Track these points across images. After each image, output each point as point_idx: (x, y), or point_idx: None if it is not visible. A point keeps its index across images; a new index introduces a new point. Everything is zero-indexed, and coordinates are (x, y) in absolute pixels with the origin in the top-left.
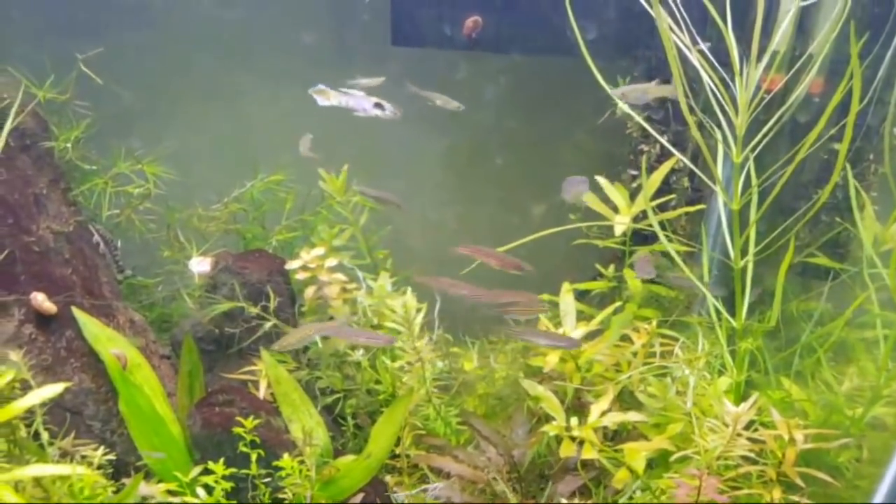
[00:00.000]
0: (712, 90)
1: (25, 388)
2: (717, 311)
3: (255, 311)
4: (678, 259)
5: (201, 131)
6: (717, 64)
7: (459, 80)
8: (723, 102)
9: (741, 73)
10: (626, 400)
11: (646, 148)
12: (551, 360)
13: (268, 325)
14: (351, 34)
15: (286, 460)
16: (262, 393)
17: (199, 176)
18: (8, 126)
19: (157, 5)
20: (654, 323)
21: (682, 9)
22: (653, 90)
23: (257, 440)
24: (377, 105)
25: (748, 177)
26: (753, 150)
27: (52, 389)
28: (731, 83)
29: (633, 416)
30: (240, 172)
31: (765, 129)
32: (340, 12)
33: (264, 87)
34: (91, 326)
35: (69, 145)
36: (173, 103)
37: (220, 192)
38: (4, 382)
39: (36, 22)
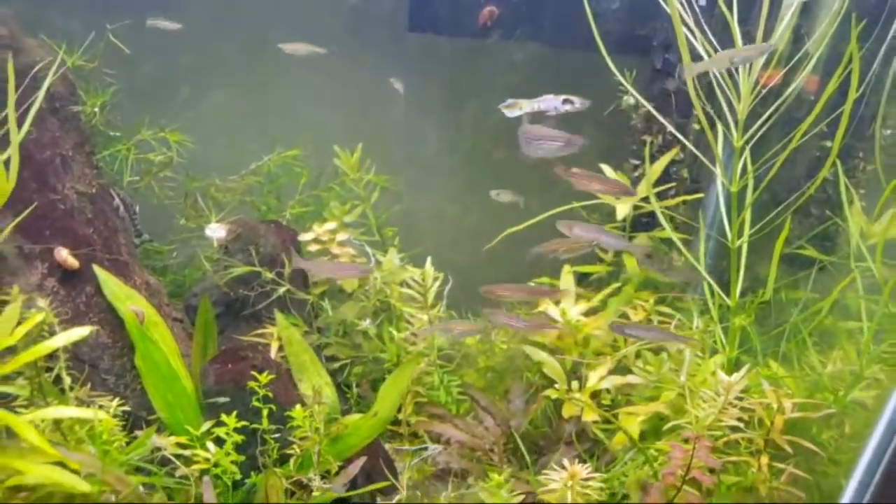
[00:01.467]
0: (717, 78)
1: (51, 333)
2: (712, 291)
3: (269, 276)
4: (679, 244)
5: (223, 106)
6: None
7: (472, 67)
8: (726, 89)
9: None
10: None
11: (648, 138)
12: (552, 335)
13: (281, 290)
14: (369, 20)
15: (298, 411)
16: (273, 354)
17: (218, 148)
18: (42, 91)
19: None
20: (652, 301)
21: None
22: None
23: (269, 395)
24: (566, 101)
25: (745, 164)
26: (752, 137)
27: (79, 332)
28: (734, 72)
29: (631, 379)
30: (258, 147)
31: (763, 118)
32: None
33: (285, 68)
34: (110, 283)
35: (96, 110)
36: (198, 78)
37: (239, 164)
38: (34, 324)
39: None
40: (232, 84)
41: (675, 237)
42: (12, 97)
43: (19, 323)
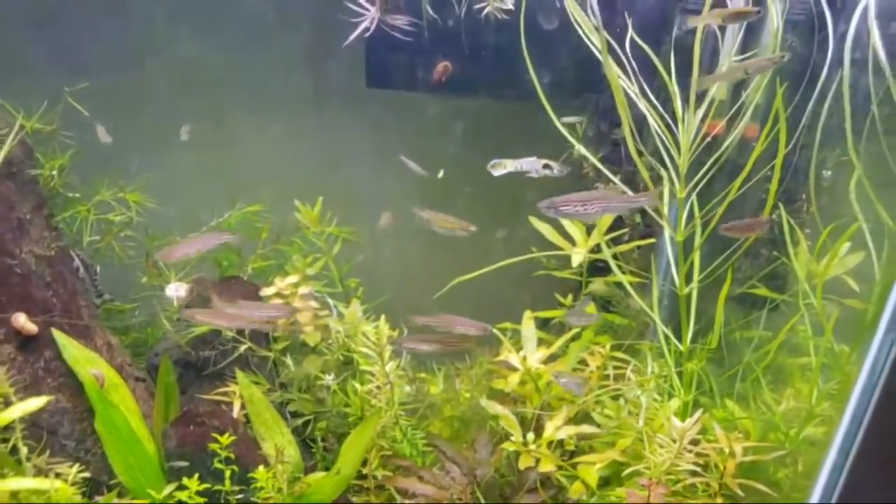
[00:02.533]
0: (657, 133)
1: (7, 403)
2: (665, 336)
3: (230, 334)
4: (630, 289)
5: (184, 164)
6: (661, 109)
7: (428, 120)
8: (667, 144)
9: (683, 118)
10: (583, 421)
11: (601, 186)
12: (512, 381)
13: (242, 347)
14: (329, 76)
15: (261, 472)
16: (235, 413)
17: (178, 206)
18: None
19: (143, 45)
20: (608, 347)
21: (630, 57)
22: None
23: (231, 456)
24: (546, 166)
25: (692, 211)
26: (696, 186)
27: (35, 402)
28: (675, 127)
29: (585, 429)
30: (218, 203)
31: (704, 168)
32: (319, 55)
33: (245, 124)
34: (70, 347)
35: (54, 173)
36: (159, 137)
37: (200, 221)
38: None
39: (27, 55)
40: (193, 141)
41: (627, 282)
42: None
43: None
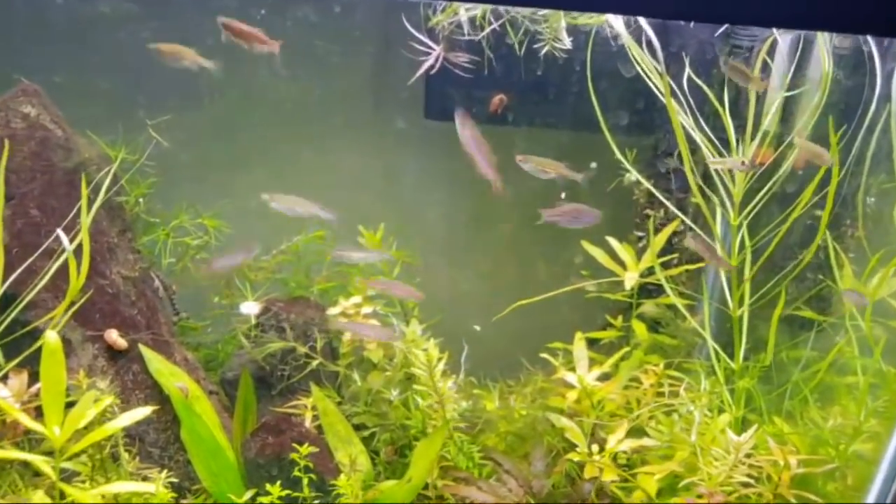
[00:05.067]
0: (712, 163)
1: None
2: (717, 354)
3: (303, 350)
4: (683, 310)
5: (254, 192)
6: (716, 141)
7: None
8: (721, 174)
9: (737, 149)
10: (637, 436)
11: (651, 212)
12: (570, 398)
13: (314, 363)
14: (387, 107)
15: (342, 481)
16: (307, 424)
17: (250, 231)
18: (102, 194)
19: (215, 83)
20: (662, 365)
21: (687, 94)
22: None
23: (309, 465)
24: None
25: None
26: (748, 214)
27: (142, 412)
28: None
29: (647, 442)
30: (287, 229)
31: (758, 197)
32: (378, 87)
33: (308, 154)
34: (155, 362)
35: (140, 200)
36: (232, 165)
37: (269, 245)
38: (103, 408)
39: (114, 89)
40: (263, 169)
41: (680, 303)
42: (84, 208)
43: None
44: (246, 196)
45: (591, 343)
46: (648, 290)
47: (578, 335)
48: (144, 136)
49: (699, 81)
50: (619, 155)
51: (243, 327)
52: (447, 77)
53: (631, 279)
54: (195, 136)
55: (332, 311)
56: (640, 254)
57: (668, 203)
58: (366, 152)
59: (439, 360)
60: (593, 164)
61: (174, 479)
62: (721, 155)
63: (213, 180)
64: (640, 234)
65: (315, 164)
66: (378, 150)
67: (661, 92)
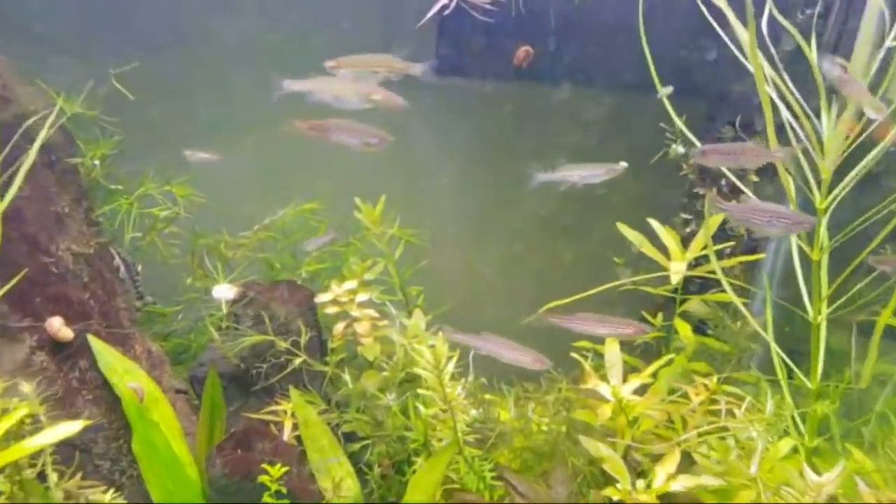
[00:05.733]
0: (794, 131)
1: (35, 422)
2: (789, 370)
3: (284, 345)
4: (744, 310)
5: (235, 155)
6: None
7: (503, 112)
8: (808, 145)
9: (830, 110)
10: (681, 460)
11: (702, 191)
12: (602, 414)
13: (297, 361)
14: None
15: None
16: (286, 435)
17: (229, 201)
18: (37, 144)
19: (198, 25)
20: (715, 379)
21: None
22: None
23: (283, 490)
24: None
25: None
26: (836, 197)
27: (68, 429)
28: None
29: (706, 480)
30: (273, 199)
31: (850, 176)
32: (384, 35)
33: (304, 113)
34: (107, 356)
35: (96, 162)
36: (211, 125)
37: (251, 218)
38: (15, 420)
39: (72, 34)
40: (248, 132)
41: (738, 301)
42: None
43: None
44: (228, 160)
45: (623, 343)
46: (695, 283)
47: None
48: (108, 87)
49: (786, 24)
50: (676, 120)
51: (215, 316)
52: (463, 24)
53: (678, 272)
54: (169, 89)
55: (323, 297)
56: (685, 240)
57: (736, 180)
58: (366, 113)
59: (449, 359)
60: (623, 163)
61: (124, 502)
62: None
63: (189, 141)
64: (686, 216)
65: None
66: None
67: (729, 40)
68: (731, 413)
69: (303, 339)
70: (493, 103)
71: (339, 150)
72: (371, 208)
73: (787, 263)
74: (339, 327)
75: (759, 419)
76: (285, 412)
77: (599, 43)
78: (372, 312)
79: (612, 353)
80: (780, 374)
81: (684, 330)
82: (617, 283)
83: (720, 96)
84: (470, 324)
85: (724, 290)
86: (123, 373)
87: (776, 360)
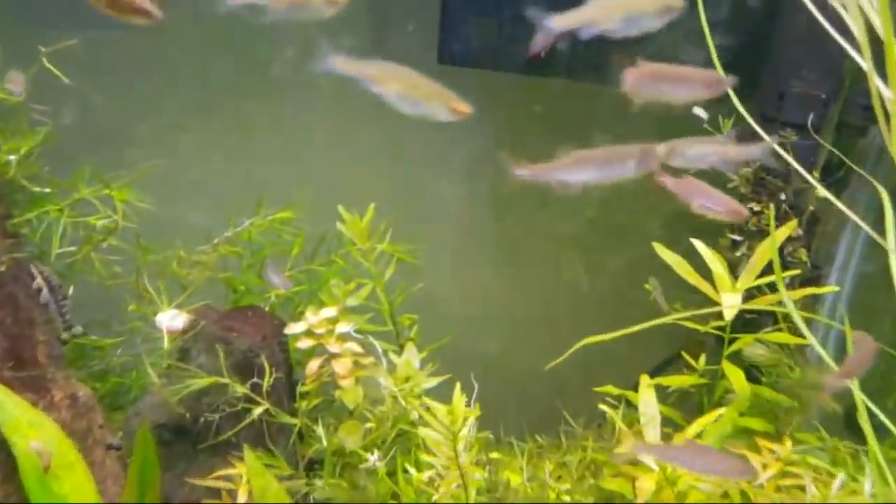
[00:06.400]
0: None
1: None
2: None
3: (242, 390)
4: (821, 351)
5: (196, 154)
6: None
7: (513, 107)
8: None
9: None
10: None
11: (757, 208)
12: (645, 487)
13: (257, 410)
14: (390, 49)
15: None
16: None
17: (185, 209)
18: None
19: None
20: (788, 444)
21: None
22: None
23: None
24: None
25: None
26: None
27: None
28: None
29: None
30: (240, 208)
31: None
32: (379, 22)
33: (282, 103)
34: (10, 406)
35: (10, 158)
36: (165, 115)
37: (211, 229)
38: None
39: None
40: (211, 123)
41: (815, 342)
42: None
43: None
44: (184, 159)
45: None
46: (745, 318)
47: (644, 381)
48: (37, 68)
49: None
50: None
51: (158, 352)
52: (468, 10)
53: (732, 306)
54: (117, 73)
55: (294, 328)
56: (734, 266)
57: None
58: (355, 112)
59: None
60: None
61: None
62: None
63: (136, 137)
64: (735, 237)
65: (293, 120)
66: (372, 107)
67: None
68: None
69: (265, 382)
70: (502, 97)
71: (321, 147)
72: (357, 219)
73: (856, 292)
74: (314, 366)
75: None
76: (241, 477)
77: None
78: (355, 347)
79: (649, 405)
80: (871, 439)
81: (737, 377)
82: (660, 320)
83: (780, 93)
84: (473, 360)
85: (778, 327)
86: (28, 427)
87: (864, 417)
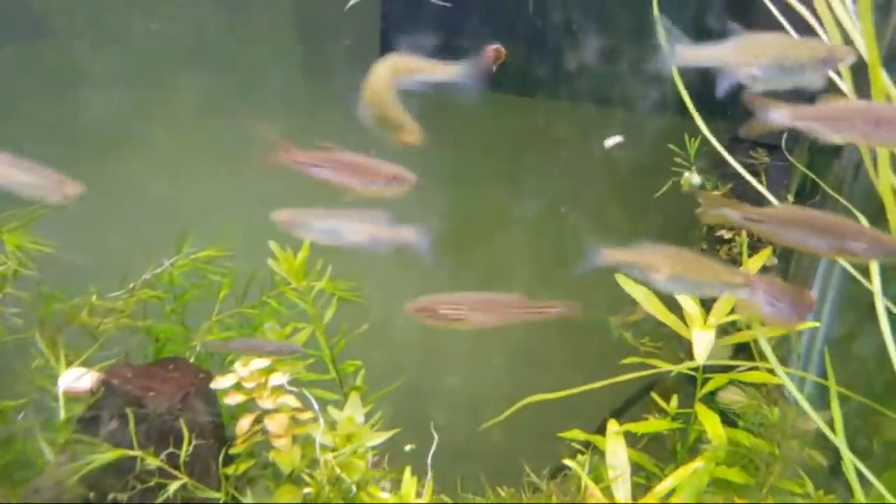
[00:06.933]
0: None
1: None
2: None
3: (155, 462)
4: (801, 400)
5: (106, 183)
6: None
7: (473, 124)
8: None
9: None
10: None
11: (728, 235)
12: None
13: (174, 485)
14: (325, 50)
15: None
16: None
17: (96, 249)
18: None
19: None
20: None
21: None
22: None
23: None
24: None
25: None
26: None
27: None
28: None
29: None
30: (159, 245)
31: None
32: (310, 18)
33: (211, 127)
34: None
35: None
36: (71, 139)
37: (126, 272)
38: None
39: None
40: (124, 146)
41: (792, 387)
42: None
43: None
44: (93, 188)
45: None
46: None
47: (612, 426)
48: None
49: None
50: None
51: (55, 420)
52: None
53: (704, 344)
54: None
55: (222, 382)
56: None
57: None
58: (294, 113)
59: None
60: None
61: None
62: None
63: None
64: None
65: (222, 142)
66: (312, 110)
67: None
68: None
69: (183, 451)
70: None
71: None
72: (290, 255)
73: (835, 322)
74: (244, 424)
75: None
76: None
77: (589, 30)
78: (291, 401)
79: (618, 455)
80: (857, 491)
81: (711, 423)
82: (635, 374)
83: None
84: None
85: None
86: None
87: (848, 467)
